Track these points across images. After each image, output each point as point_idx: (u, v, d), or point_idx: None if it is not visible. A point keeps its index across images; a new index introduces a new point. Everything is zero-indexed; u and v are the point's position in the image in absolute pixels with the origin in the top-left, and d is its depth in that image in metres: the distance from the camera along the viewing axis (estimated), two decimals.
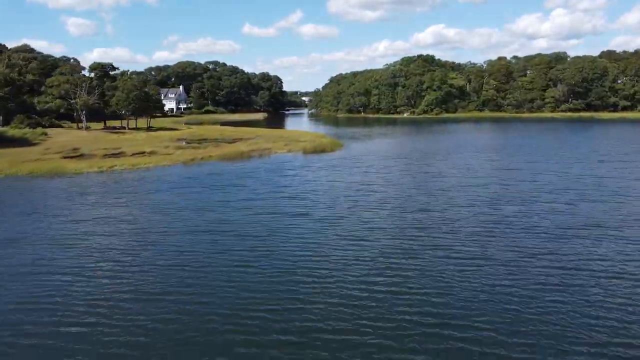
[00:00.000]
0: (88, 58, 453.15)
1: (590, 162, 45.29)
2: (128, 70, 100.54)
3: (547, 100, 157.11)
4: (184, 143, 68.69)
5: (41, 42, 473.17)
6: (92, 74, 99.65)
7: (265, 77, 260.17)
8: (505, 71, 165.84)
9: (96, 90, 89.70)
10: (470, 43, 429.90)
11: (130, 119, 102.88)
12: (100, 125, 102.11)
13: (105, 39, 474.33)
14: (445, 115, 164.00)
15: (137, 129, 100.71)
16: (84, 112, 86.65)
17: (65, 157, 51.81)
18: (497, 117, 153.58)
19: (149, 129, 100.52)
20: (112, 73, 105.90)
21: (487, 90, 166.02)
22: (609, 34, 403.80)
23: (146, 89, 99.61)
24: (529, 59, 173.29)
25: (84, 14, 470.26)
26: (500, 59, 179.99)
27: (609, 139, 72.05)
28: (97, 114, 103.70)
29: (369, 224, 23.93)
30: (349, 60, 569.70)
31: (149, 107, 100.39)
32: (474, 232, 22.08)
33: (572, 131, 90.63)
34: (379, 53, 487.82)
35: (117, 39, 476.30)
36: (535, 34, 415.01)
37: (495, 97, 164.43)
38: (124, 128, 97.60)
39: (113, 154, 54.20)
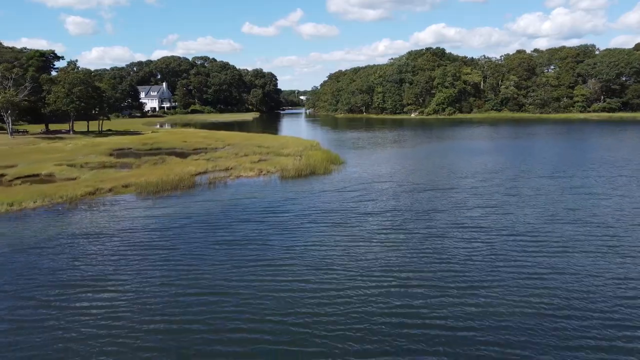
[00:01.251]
0: (87, 57, 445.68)
1: None
2: (76, 60, 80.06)
3: (576, 98, 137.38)
4: (127, 153, 48.86)
5: (41, 41, 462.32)
6: (30, 65, 79.70)
7: (258, 74, 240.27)
8: (527, 66, 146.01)
9: (27, 84, 69.86)
10: (470, 42, 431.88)
11: (79, 121, 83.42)
12: (41, 128, 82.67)
13: (105, 38, 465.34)
14: (460, 115, 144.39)
15: (88, 132, 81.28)
16: (8, 112, 66.89)
17: None
18: (519, 118, 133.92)
19: (101, 133, 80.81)
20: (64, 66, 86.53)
21: (506, 88, 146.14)
22: (609, 33, 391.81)
23: (98, 84, 79.65)
24: (552, 52, 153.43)
25: (83, 13, 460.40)
26: (519, 52, 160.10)
27: None
28: (39, 115, 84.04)
29: None
30: (349, 60, 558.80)
31: (101, 105, 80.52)
32: None
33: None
34: (379, 52, 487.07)
35: (116, 38, 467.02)
36: (535, 33, 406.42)
37: (516, 95, 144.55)
38: (69, 132, 77.95)
39: None
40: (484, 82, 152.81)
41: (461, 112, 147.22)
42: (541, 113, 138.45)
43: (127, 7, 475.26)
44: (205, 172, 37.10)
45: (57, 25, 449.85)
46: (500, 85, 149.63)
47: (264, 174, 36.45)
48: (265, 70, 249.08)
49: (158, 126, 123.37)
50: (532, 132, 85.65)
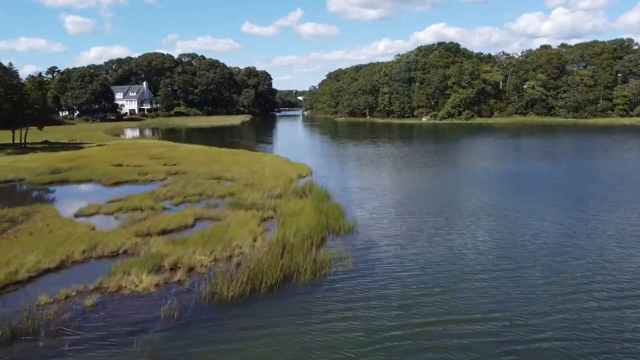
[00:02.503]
0: (86, 57, 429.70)
1: None
2: None
3: (616, 100, 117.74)
4: None
5: (40, 41, 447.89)
6: None
7: (251, 72, 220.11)
8: (556, 63, 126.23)
9: None
10: (470, 42, 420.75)
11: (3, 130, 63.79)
12: None
13: (104, 37, 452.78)
14: (478, 120, 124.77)
15: (13, 144, 61.68)
16: None
17: None
18: (549, 122, 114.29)
19: (23, 146, 60.88)
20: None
21: (532, 88, 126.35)
22: (609, 33, 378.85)
23: (17, 84, 59.82)
24: (583, 47, 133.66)
25: (83, 12, 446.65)
26: (544, 47, 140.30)
27: None
28: None
29: None
30: (349, 60, 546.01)
31: (22, 111, 60.67)
32: None
33: None
34: (379, 52, 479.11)
35: (115, 37, 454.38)
36: (535, 33, 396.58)
37: (544, 97, 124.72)
38: None
39: None
40: (506, 81, 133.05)
41: (480, 115, 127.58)
42: (575, 117, 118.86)
43: (126, 7, 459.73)
44: (41, 275, 17.16)
45: (56, 24, 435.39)
46: (525, 85, 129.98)
47: (177, 282, 16.44)
48: (265, 69, 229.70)
49: (128, 133, 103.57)
50: (582, 143, 65.84)
